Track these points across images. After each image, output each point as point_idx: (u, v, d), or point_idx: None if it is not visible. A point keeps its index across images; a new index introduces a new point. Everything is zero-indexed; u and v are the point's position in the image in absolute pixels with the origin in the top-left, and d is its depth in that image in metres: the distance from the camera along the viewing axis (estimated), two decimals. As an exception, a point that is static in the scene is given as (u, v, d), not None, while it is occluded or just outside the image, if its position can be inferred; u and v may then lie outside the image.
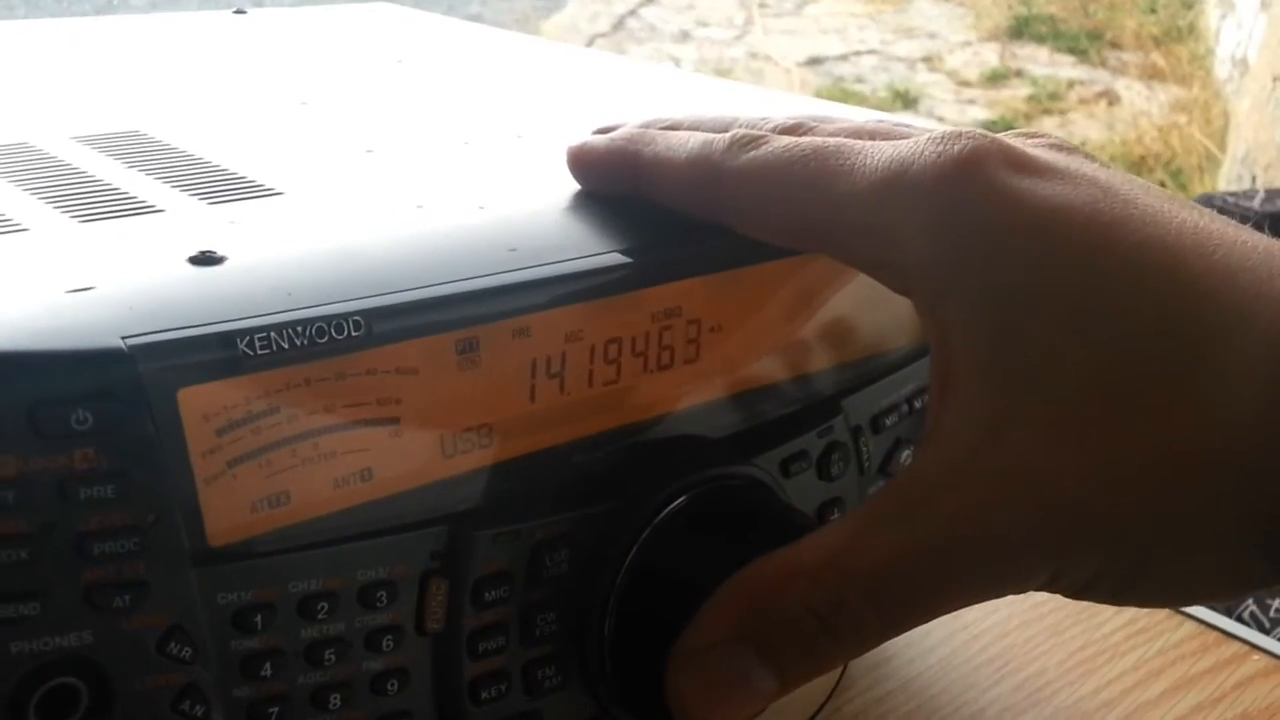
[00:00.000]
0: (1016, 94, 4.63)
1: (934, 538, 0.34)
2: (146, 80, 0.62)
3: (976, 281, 0.34)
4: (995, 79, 4.75)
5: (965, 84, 4.74)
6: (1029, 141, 0.37)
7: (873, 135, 0.39)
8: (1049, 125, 4.36)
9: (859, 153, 0.37)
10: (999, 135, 0.37)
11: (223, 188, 0.43)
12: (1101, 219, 0.34)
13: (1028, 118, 4.41)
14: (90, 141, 0.48)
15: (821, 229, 0.38)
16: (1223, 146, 3.72)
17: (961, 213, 0.35)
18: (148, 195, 0.42)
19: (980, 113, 4.48)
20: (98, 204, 0.41)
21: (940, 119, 4.38)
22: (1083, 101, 4.56)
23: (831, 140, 0.38)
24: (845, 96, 4.49)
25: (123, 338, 0.31)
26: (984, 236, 0.34)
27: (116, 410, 0.31)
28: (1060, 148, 0.37)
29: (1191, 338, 0.33)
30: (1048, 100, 4.57)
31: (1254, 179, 3.04)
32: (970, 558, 0.34)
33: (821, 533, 0.36)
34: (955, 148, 0.35)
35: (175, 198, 0.42)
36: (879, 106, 4.41)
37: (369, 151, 0.49)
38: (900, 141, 0.37)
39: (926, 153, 0.36)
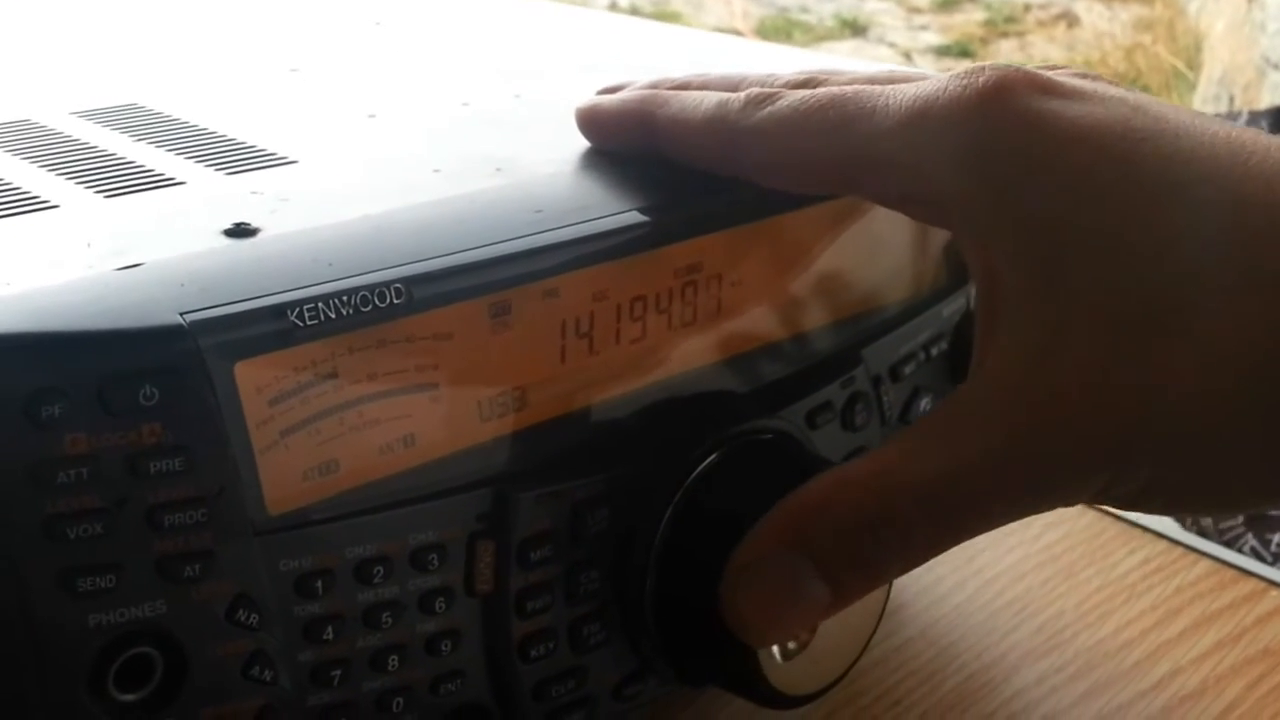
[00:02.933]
0: (971, 18, 4.65)
1: (986, 453, 0.36)
2: (128, 51, 0.64)
3: (1017, 206, 0.37)
4: (947, 5, 4.77)
5: (916, 10, 4.76)
6: (1051, 71, 0.40)
7: (888, 82, 0.41)
8: (1006, 49, 4.39)
9: (878, 95, 0.39)
10: (1022, 66, 0.39)
11: (236, 158, 0.46)
12: (1135, 135, 0.36)
13: (984, 42, 4.44)
14: (91, 116, 0.50)
15: (847, 172, 0.41)
16: (1191, 65, 3.75)
17: (995, 140, 0.37)
18: (164, 168, 0.44)
19: (934, 38, 4.51)
20: (118, 178, 0.43)
21: (892, 45, 4.40)
22: (1041, 24, 4.59)
23: (848, 88, 0.41)
24: (791, 26, 4.50)
25: (181, 314, 0.34)
26: (1021, 161, 0.37)
27: (179, 385, 0.33)
28: (1083, 75, 0.40)
29: (1235, 244, 0.35)
30: (1004, 23, 4.60)
31: (1232, 99, 3.08)
32: (1022, 472, 0.36)
33: (870, 454, 0.39)
34: (980, 80, 0.38)
35: (192, 169, 0.44)
36: (827, 36, 4.42)
37: (371, 116, 0.52)
38: (920, 82, 0.39)
39: (951, 88, 0.38)
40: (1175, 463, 0.36)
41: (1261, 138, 0.37)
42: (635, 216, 0.42)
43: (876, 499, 0.37)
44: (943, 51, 4.40)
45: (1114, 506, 0.38)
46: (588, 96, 0.48)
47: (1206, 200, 0.35)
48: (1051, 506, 0.38)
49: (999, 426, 0.36)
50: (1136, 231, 0.36)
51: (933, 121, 0.38)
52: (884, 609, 0.44)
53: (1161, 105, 0.38)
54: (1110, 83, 0.40)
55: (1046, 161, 0.37)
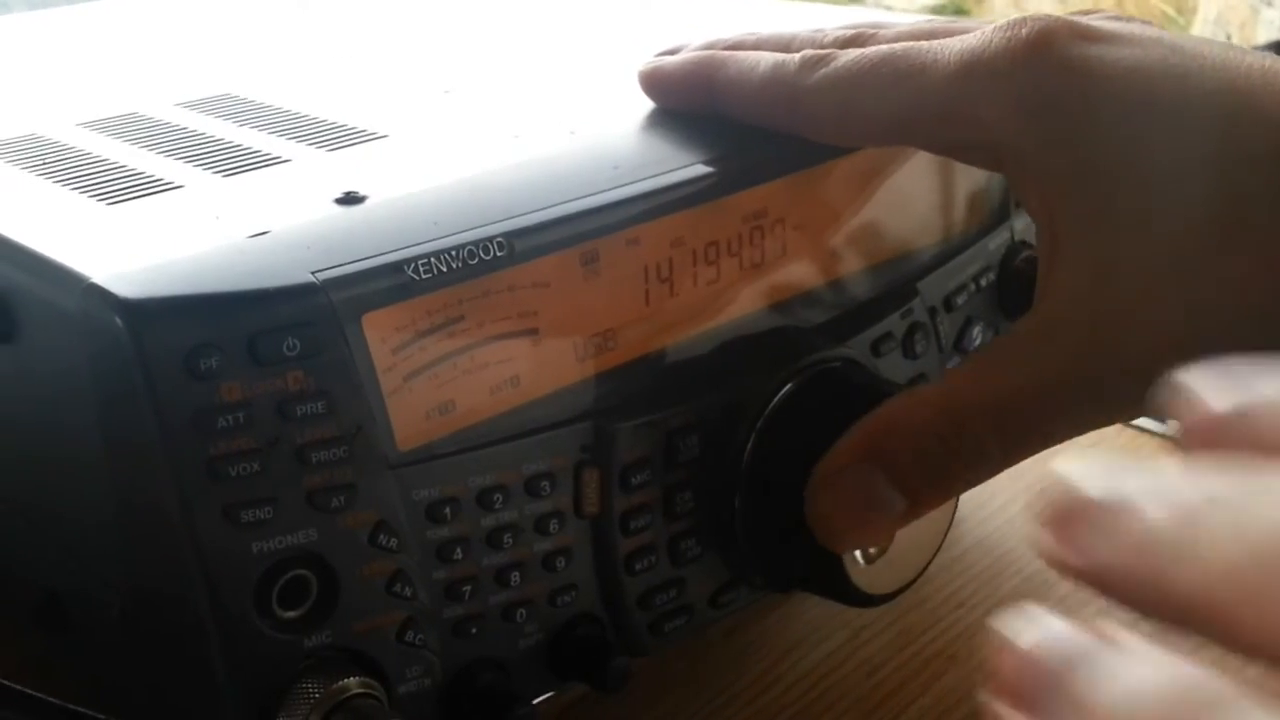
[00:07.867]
0: (970, -26, 4.65)
1: (1051, 374, 0.38)
2: (207, 49, 0.66)
3: (1067, 149, 0.38)
4: (947, -36, 4.76)
5: (917, -29, 4.76)
6: (1089, 17, 0.42)
7: (931, 35, 0.43)
8: (1000, 4, 4.38)
9: (928, 51, 0.41)
10: (1060, 15, 0.41)
11: (332, 136, 0.48)
12: (1175, 73, 0.38)
13: None
14: (193, 106, 0.53)
15: (903, 126, 0.43)
16: (1181, 9, 3.75)
17: (1043, 87, 0.39)
18: (269, 148, 0.47)
19: (930, -2, 4.50)
20: (231, 159, 0.46)
21: (889, 8, 4.40)
22: (1037, -23, 4.58)
23: (898, 45, 0.42)
24: (801, -5, 4.49)
25: (312, 273, 0.36)
26: (1068, 105, 0.38)
27: (316, 336, 0.36)
28: (1119, 18, 0.42)
29: (1276, 169, 0.37)
30: (1002, -21, 4.60)
31: (1229, 38, 3.09)
32: (1083, 391, 0.38)
33: (943, 376, 0.41)
34: (1024, 31, 0.39)
35: (295, 148, 0.47)
36: (829, 2, 4.42)
37: (446, 92, 0.54)
38: (965, 35, 0.41)
39: (995, 41, 0.40)
40: None
41: None
42: (703, 168, 0.45)
43: (947, 417, 0.39)
44: (938, 10, 4.39)
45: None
46: (648, 59, 0.50)
47: (1252, 126, 0.37)
48: (1109, 422, 0.40)
49: (1060, 350, 0.38)
50: (1182, 166, 0.37)
51: (981, 74, 0.40)
52: (952, 519, 0.47)
53: (1195, 42, 0.40)
54: (1145, 23, 0.41)
55: (1092, 105, 0.38)
